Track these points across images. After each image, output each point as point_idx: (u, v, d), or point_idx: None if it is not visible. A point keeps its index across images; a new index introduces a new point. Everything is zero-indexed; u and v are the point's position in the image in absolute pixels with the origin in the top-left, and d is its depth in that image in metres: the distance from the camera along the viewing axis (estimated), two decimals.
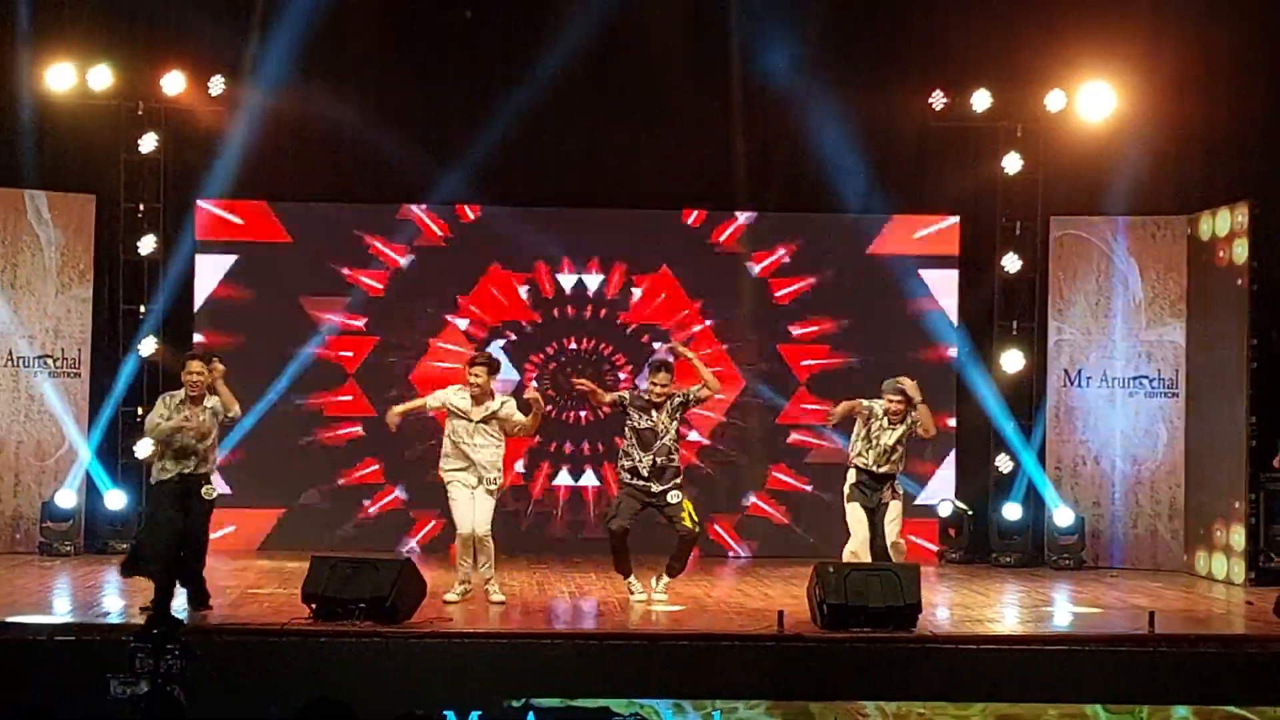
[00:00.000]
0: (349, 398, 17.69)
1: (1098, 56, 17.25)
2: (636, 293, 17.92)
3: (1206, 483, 16.80)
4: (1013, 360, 17.68)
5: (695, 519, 13.87)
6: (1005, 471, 17.66)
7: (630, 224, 18.05)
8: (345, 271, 17.71)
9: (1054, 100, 17.47)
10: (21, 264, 17.16)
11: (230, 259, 17.65)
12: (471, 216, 17.84)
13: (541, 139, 17.58)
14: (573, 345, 17.91)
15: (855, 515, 13.56)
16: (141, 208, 17.50)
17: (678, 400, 13.82)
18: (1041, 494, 17.51)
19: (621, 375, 17.72)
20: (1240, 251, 16.12)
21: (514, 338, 17.84)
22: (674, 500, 13.72)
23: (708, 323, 17.90)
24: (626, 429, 13.85)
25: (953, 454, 17.83)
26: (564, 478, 17.86)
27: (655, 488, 13.70)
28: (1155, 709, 11.45)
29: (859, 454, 13.63)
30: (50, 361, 17.14)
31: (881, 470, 13.53)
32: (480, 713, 10.97)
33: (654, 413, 13.77)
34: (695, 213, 17.92)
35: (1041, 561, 17.33)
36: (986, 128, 17.76)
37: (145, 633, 7.53)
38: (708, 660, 11.70)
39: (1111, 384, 17.54)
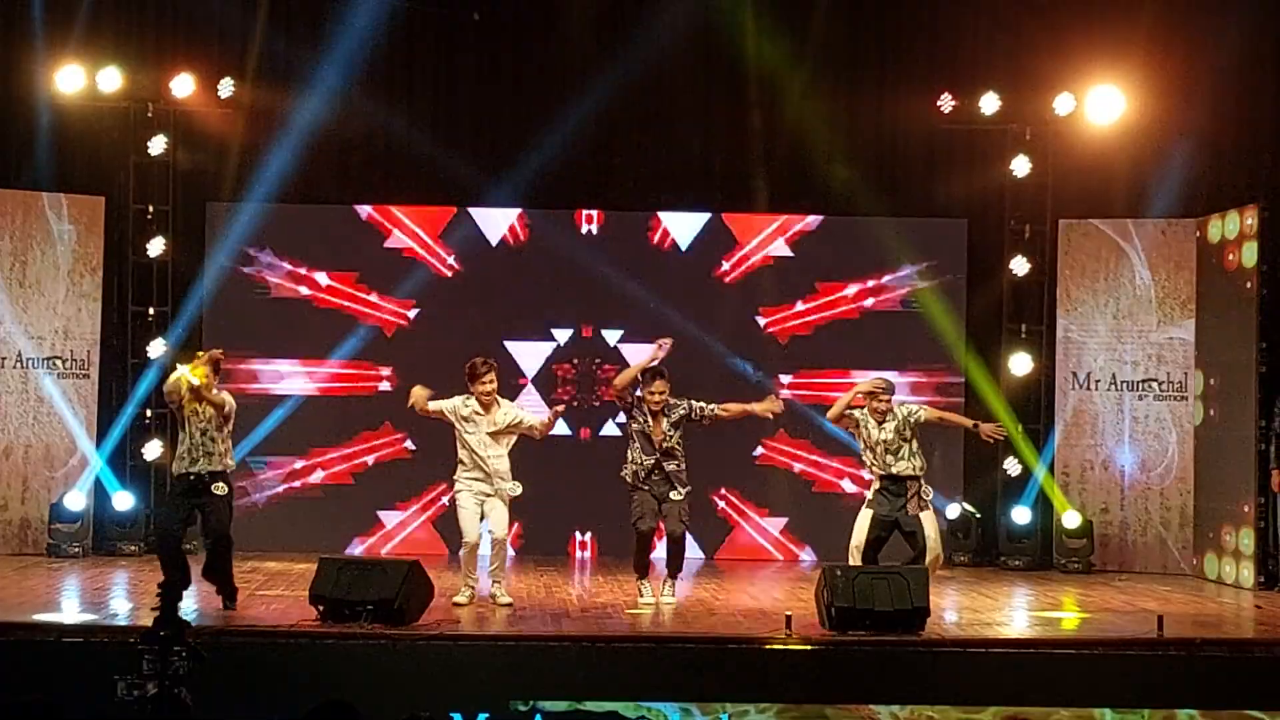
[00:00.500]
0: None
1: (1106, 60, 17.24)
2: None
3: (1215, 486, 16.78)
4: (1021, 364, 17.66)
5: (685, 520, 13.85)
6: (1013, 474, 17.64)
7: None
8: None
9: (1063, 103, 17.45)
10: (31, 262, 17.15)
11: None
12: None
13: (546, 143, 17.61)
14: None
15: (862, 519, 13.55)
16: (151, 210, 17.52)
17: (680, 413, 13.77)
18: (1049, 498, 17.51)
19: None
20: (1249, 255, 16.11)
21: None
22: (676, 498, 13.71)
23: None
24: (631, 428, 13.85)
25: (960, 456, 17.80)
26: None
27: (662, 491, 13.69)
28: (1163, 712, 11.43)
29: (871, 464, 13.63)
30: (59, 363, 17.15)
31: (897, 470, 13.49)
32: (487, 715, 10.96)
33: (652, 420, 13.75)
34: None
35: (1050, 565, 17.30)
36: (995, 130, 17.75)
37: (153, 634, 7.54)
38: (715, 663, 11.70)
39: (1120, 387, 17.51)
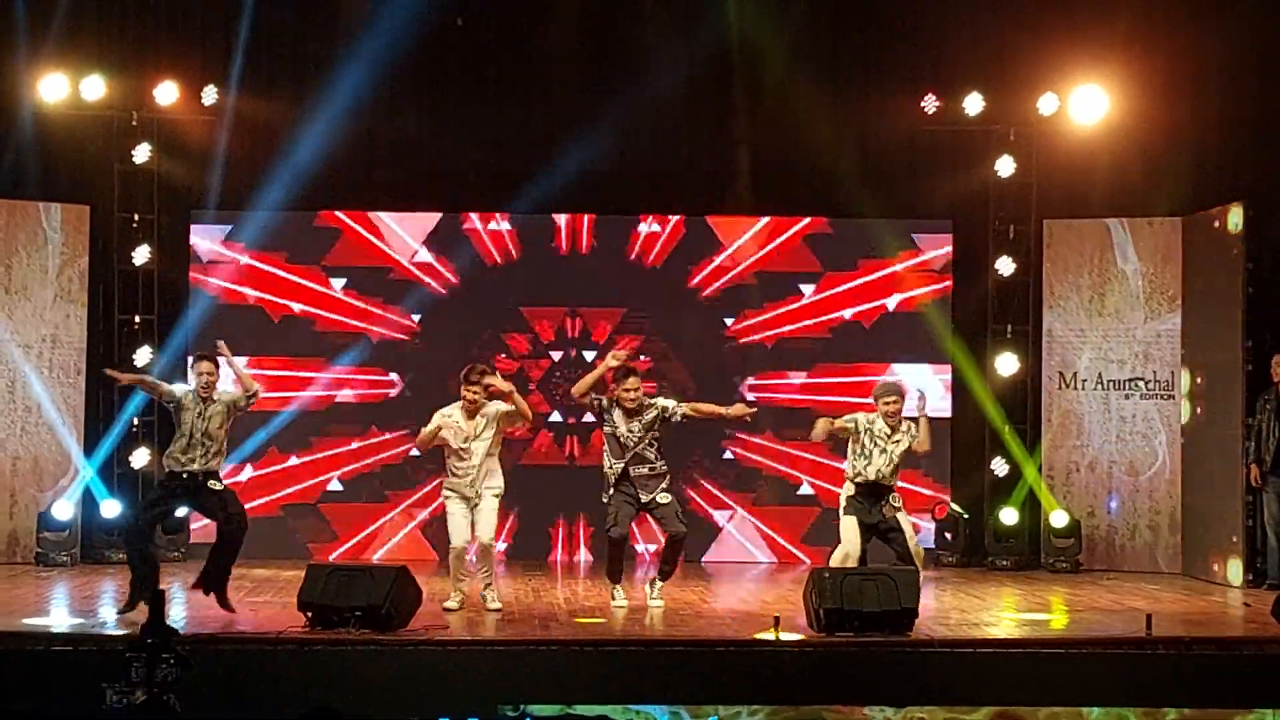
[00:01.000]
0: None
1: (1090, 60, 17.27)
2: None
3: (1203, 485, 16.80)
4: (1007, 364, 17.68)
5: (683, 520, 13.84)
6: (1001, 475, 17.66)
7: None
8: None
9: (1046, 104, 17.47)
10: (17, 269, 17.10)
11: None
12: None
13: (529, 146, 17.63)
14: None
15: (849, 525, 13.50)
16: (136, 218, 17.51)
17: (652, 415, 13.71)
18: (1037, 497, 17.53)
19: None
20: (1235, 254, 16.13)
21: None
22: (664, 501, 13.69)
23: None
24: (604, 432, 13.82)
25: (948, 457, 17.82)
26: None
27: (644, 497, 13.67)
28: (1149, 711, 11.43)
29: (859, 472, 13.55)
30: (47, 372, 17.12)
31: (883, 483, 13.48)
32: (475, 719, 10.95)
33: (624, 421, 13.69)
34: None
35: (1038, 564, 17.33)
36: (979, 131, 17.78)
37: (141, 642, 7.52)
38: (704, 665, 11.70)
39: (1107, 387, 17.53)
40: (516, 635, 12.46)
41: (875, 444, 13.46)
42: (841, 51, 17.85)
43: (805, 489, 17.77)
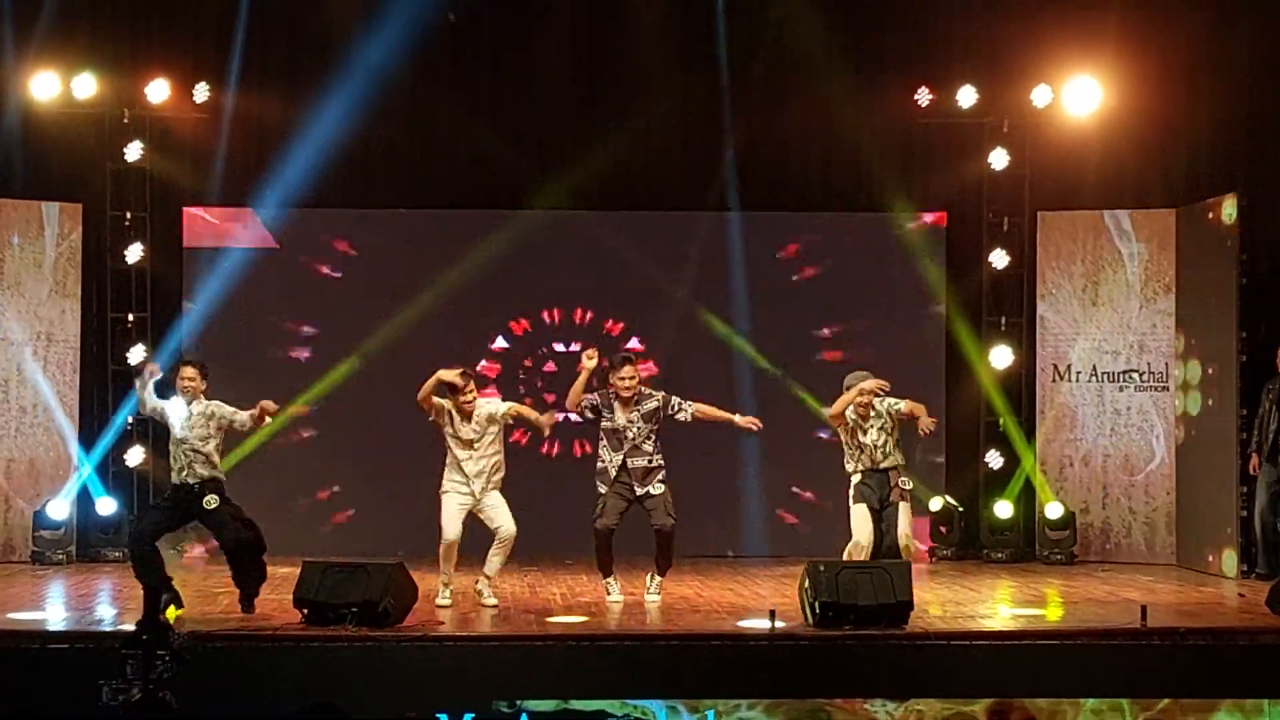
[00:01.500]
0: None
1: (1083, 52, 17.27)
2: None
3: (1198, 477, 16.81)
4: (1002, 356, 17.69)
5: (672, 514, 13.82)
6: (995, 467, 17.67)
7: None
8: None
9: (1040, 95, 17.48)
10: (9, 266, 17.08)
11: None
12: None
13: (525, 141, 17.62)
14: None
15: (860, 514, 13.57)
16: (128, 216, 17.50)
17: (653, 405, 13.70)
18: (1033, 489, 17.54)
19: None
20: (1229, 245, 16.12)
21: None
22: (656, 492, 13.66)
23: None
24: (602, 429, 13.80)
25: (943, 450, 17.83)
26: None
27: (639, 490, 13.66)
28: (1142, 702, 11.44)
29: (857, 461, 13.62)
30: (42, 369, 17.11)
31: (883, 465, 13.52)
32: (473, 716, 10.94)
33: (622, 412, 13.69)
34: None
35: (1033, 557, 17.34)
36: (972, 124, 17.77)
37: (136, 639, 7.52)
38: (700, 660, 11.71)
39: (1101, 379, 17.54)
40: (513, 631, 12.47)
41: (859, 438, 13.58)
42: (834, 44, 17.81)
43: None
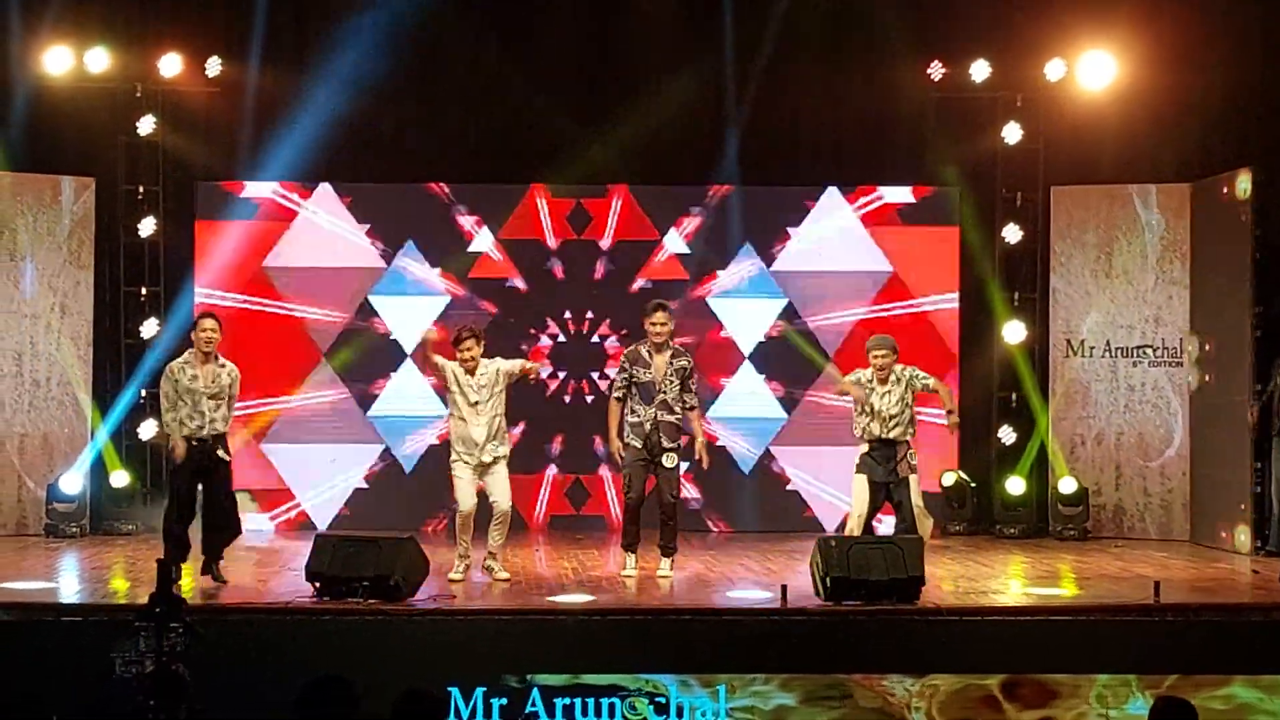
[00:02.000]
0: None
1: (1097, 25, 17.21)
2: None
3: (1211, 452, 16.79)
4: (1014, 331, 17.66)
5: (674, 493, 13.82)
6: (1008, 443, 17.66)
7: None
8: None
9: (1054, 69, 17.43)
10: (22, 240, 17.08)
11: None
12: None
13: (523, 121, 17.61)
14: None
15: (859, 484, 13.55)
16: (141, 190, 17.51)
17: (684, 363, 13.77)
18: (1047, 464, 17.53)
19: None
20: (1244, 219, 16.09)
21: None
22: (669, 465, 13.68)
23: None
24: (632, 386, 13.82)
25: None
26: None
27: (664, 443, 13.66)
28: (1150, 678, 11.45)
29: (864, 429, 13.59)
30: (55, 342, 17.14)
31: (891, 435, 13.50)
32: (485, 689, 10.96)
33: (653, 360, 13.71)
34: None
35: (1046, 532, 17.33)
36: (986, 98, 17.73)
37: (149, 612, 7.54)
38: (712, 635, 11.71)
39: (1115, 354, 17.51)
40: (525, 605, 12.47)
41: (873, 400, 13.52)
42: (846, 19, 17.77)
43: None
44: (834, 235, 17.99)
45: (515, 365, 13.76)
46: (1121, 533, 17.40)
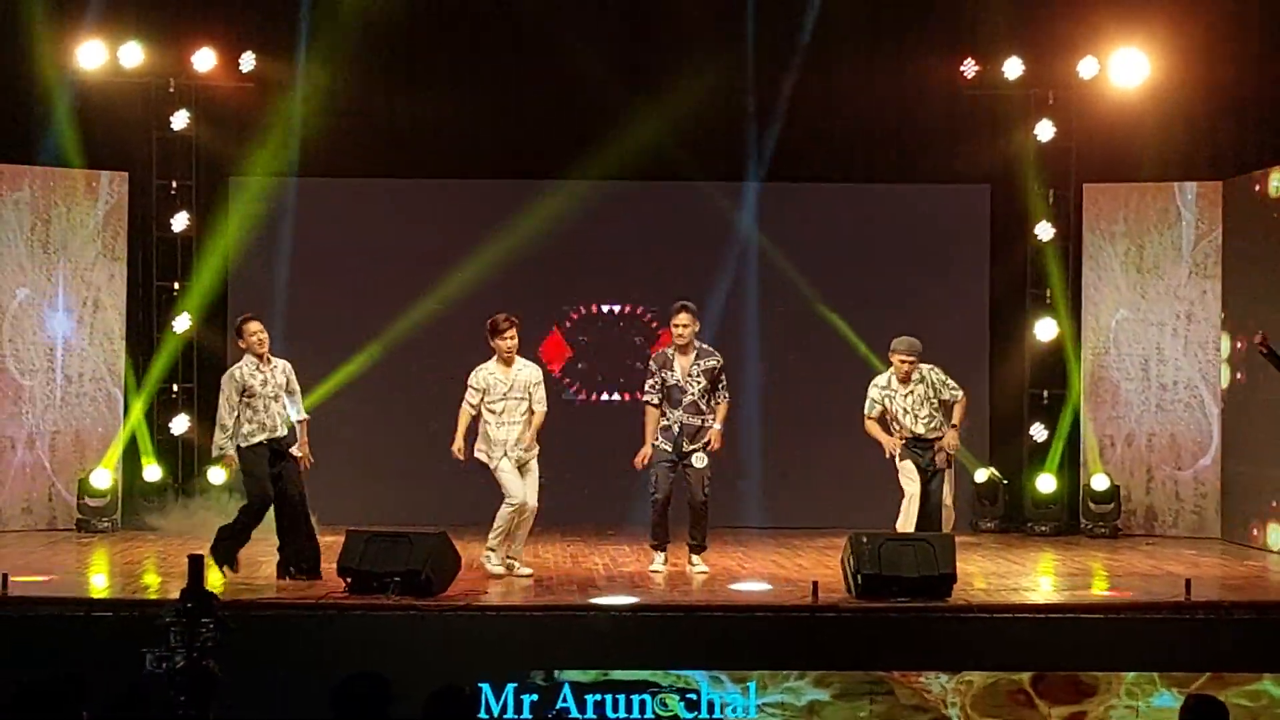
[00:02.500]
0: None
1: (1130, 22, 17.16)
2: None
3: (1245, 449, 16.72)
4: (1046, 329, 17.63)
5: (706, 491, 13.82)
6: (1040, 440, 17.63)
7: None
8: None
9: (1086, 67, 17.38)
10: (55, 235, 17.13)
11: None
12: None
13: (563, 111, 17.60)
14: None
15: (908, 469, 13.60)
16: (174, 185, 17.56)
17: (713, 364, 13.77)
18: (1078, 462, 17.50)
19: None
20: (1276, 216, 16.03)
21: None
22: (699, 465, 13.69)
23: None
24: (663, 391, 13.81)
25: (987, 423, 17.80)
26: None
27: (686, 446, 13.68)
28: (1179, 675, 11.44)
29: (902, 427, 13.62)
30: (89, 336, 17.19)
31: (921, 432, 13.54)
32: (515, 685, 10.99)
33: (680, 363, 13.71)
34: None
35: (1077, 530, 17.29)
36: (1018, 95, 17.68)
37: (180, 607, 7.54)
38: (742, 631, 11.72)
39: (1145, 350, 17.45)
40: (556, 601, 12.48)
41: (898, 402, 13.58)
42: (879, 16, 17.76)
43: None
44: (865, 231, 17.97)
45: (541, 395, 13.64)
46: (1153, 519, 17.36)
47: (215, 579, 12.47)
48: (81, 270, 17.20)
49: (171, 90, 17.43)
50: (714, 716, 11.21)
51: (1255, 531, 16.26)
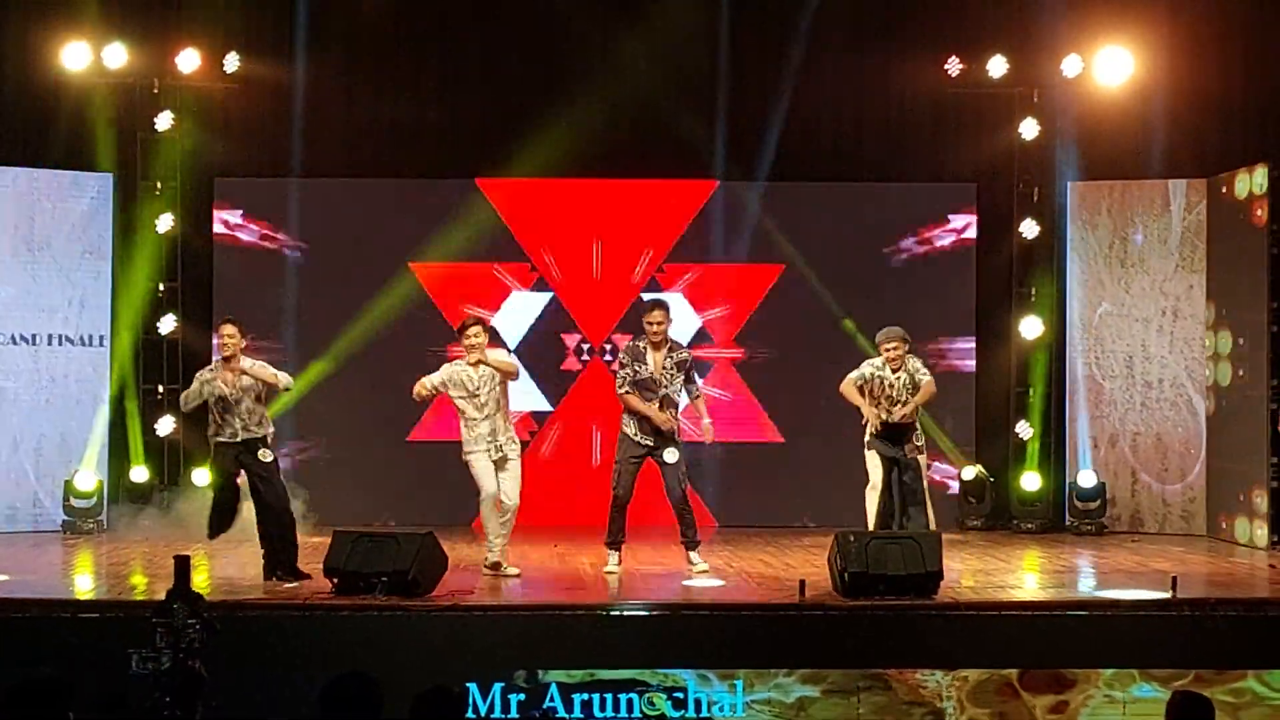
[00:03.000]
0: None
1: (1114, 21, 17.21)
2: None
3: (1228, 447, 16.75)
4: (1031, 327, 17.65)
5: (683, 482, 13.79)
6: (1025, 438, 17.65)
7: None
8: None
9: (1070, 65, 17.41)
10: (39, 237, 17.10)
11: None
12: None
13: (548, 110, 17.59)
14: None
15: (874, 461, 13.71)
16: (159, 185, 17.52)
17: (683, 357, 13.74)
18: (1064, 460, 17.52)
19: None
20: (1260, 214, 16.05)
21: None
22: (670, 460, 13.64)
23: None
24: (630, 384, 13.75)
25: (973, 420, 17.82)
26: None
27: (656, 444, 13.64)
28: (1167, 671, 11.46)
29: (873, 415, 13.66)
30: (69, 339, 17.16)
31: (895, 419, 13.59)
32: (503, 685, 10.98)
33: (653, 357, 13.68)
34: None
35: (1063, 527, 17.32)
36: (1003, 94, 17.71)
37: (166, 607, 7.53)
38: (730, 630, 11.71)
39: (1129, 347, 17.47)
40: (543, 600, 12.47)
41: (882, 388, 13.63)
42: (864, 14, 17.78)
43: None
44: (850, 229, 17.99)
45: (503, 357, 13.72)
46: (1138, 516, 17.38)
47: (201, 580, 12.45)
48: (66, 271, 17.16)
49: (156, 91, 17.41)
50: (701, 715, 11.21)
51: (1241, 529, 16.27)
